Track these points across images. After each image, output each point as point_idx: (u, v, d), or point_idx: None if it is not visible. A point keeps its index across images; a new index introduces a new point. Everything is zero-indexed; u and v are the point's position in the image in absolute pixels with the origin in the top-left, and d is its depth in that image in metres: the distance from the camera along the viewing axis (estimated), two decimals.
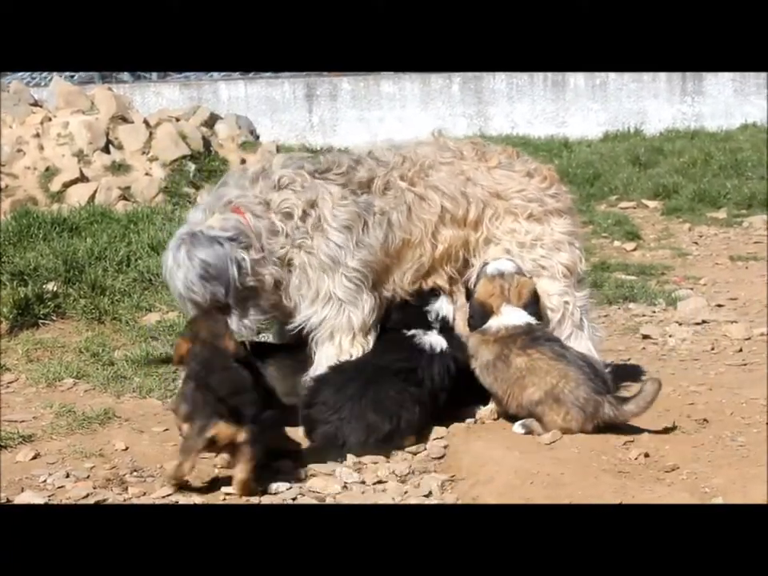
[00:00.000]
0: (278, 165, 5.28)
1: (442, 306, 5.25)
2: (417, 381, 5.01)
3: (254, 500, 4.29)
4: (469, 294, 5.28)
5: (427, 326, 5.19)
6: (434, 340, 5.16)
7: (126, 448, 4.90)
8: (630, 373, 6.03)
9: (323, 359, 5.11)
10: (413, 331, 5.17)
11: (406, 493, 4.35)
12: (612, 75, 18.93)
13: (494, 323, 5.09)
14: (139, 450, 4.88)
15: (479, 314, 5.12)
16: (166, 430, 5.14)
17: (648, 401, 4.82)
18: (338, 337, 5.11)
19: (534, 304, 5.15)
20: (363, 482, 4.51)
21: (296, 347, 5.27)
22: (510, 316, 5.08)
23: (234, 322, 4.97)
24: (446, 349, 5.14)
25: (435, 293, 5.28)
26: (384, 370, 4.99)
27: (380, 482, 4.52)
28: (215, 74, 19.24)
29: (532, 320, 5.09)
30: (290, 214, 5.07)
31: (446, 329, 5.24)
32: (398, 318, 5.25)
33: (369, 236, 5.11)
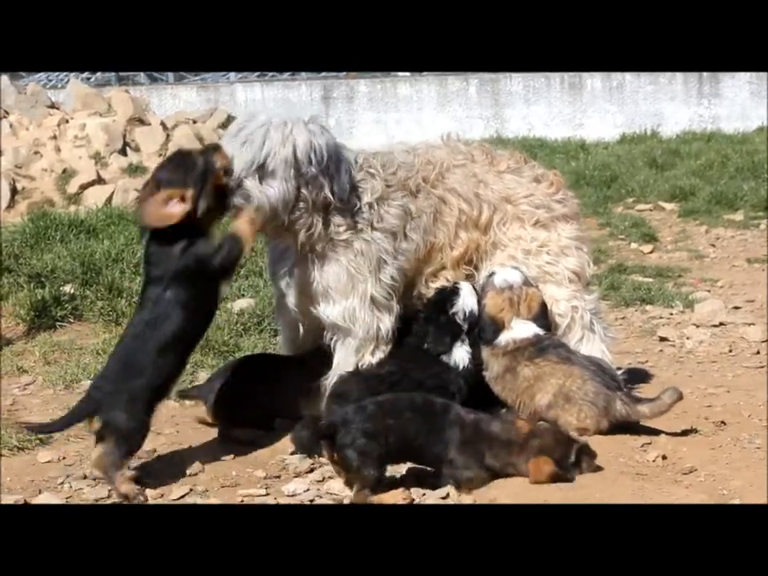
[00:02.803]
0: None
1: (465, 302, 5.09)
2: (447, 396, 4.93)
3: (272, 501, 4.29)
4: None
5: (456, 335, 5.08)
6: (459, 356, 5.06)
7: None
8: (646, 375, 6.02)
9: (342, 363, 5.03)
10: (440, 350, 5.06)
11: (423, 495, 4.35)
12: (629, 77, 18.93)
13: (503, 337, 5.04)
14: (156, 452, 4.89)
15: (490, 329, 5.06)
16: (178, 432, 5.18)
17: (662, 409, 4.80)
18: (357, 343, 5.00)
19: (543, 316, 5.10)
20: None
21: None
22: (520, 329, 5.03)
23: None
24: (469, 363, 5.05)
25: (455, 288, 5.12)
26: (419, 385, 4.89)
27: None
28: (232, 76, 19.30)
29: (540, 331, 5.05)
30: (360, 198, 4.97)
31: (474, 323, 5.10)
32: (428, 335, 5.10)
33: (407, 241, 5.05)
